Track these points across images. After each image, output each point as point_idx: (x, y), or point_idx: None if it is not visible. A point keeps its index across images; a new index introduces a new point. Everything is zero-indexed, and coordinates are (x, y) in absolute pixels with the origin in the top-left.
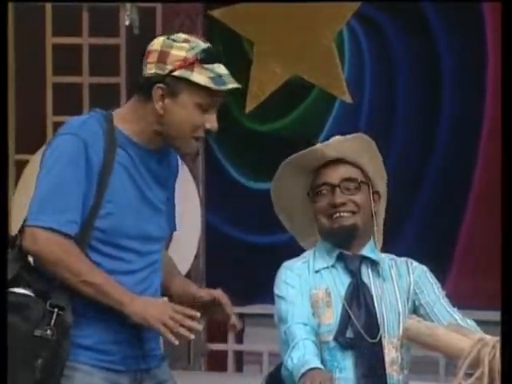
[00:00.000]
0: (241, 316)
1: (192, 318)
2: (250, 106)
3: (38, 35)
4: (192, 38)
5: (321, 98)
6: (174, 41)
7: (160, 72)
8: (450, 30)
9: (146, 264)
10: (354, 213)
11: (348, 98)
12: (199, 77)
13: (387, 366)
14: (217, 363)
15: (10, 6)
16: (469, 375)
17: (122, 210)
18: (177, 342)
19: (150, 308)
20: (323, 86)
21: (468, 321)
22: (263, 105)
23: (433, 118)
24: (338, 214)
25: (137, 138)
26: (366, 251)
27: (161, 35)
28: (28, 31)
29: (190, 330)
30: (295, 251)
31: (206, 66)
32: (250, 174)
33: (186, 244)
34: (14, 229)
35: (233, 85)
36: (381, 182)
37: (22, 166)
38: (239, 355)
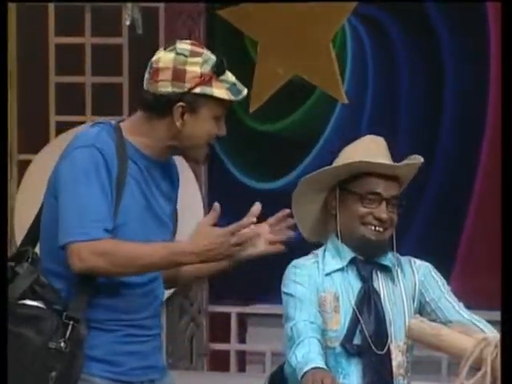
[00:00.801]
0: (244, 316)
1: (245, 226)
2: (253, 106)
3: (41, 35)
4: (198, 49)
5: (323, 98)
6: (185, 56)
7: (178, 90)
8: (453, 29)
9: (152, 277)
10: (387, 230)
11: (343, 99)
12: (219, 91)
13: (394, 370)
14: (219, 363)
15: (13, 5)
16: (472, 375)
17: (133, 221)
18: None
19: (211, 250)
20: (320, 85)
21: (474, 316)
22: (266, 105)
23: (435, 119)
24: (378, 228)
25: (147, 150)
26: (379, 257)
27: (163, 49)
28: (30, 31)
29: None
30: (299, 252)
31: (221, 77)
32: (253, 174)
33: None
34: (16, 228)
35: (245, 91)
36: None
37: (24, 165)
38: (242, 355)
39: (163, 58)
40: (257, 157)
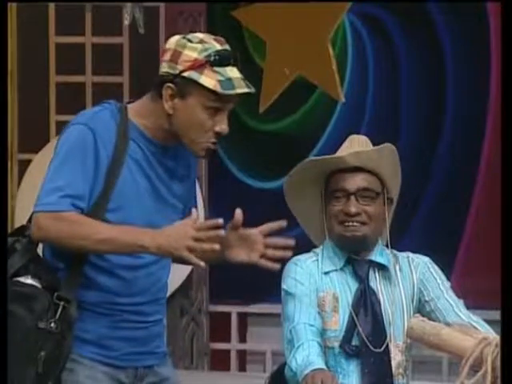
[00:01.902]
0: (244, 315)
1: (215, 227)
2: (263, 106)
3: (41, 34)
4: (208, 39)
5: (324, 98)
6: (189, 41)
7: (171, 71)
8: (455, 30)
9: (152, 259)
10: (365, 224)
11: (341, 98)
12: (207, 79)
13: (394, 370)
14: (220, 362)
15: (14, 5)
16: (473, 374)
17: (130, 203)
18: (202, 264)
19: (171, 238)
20: (319, 84)
21: (472, 316)
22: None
23: (437, 118)
24: (349, 223)
25: (150, 133)
26: (375, 255)
27: (180, 35)
28: (31, 30)
29: (214, 240)
30: (300, 250)
31: (216, 68)
32: (253, 174)
33: None
34: (16, 226)
35: (242, 89)
36: (395, 189)
37: (25, 165)
38: (242, 354)
39: (171, 40)
40: (257, 156)
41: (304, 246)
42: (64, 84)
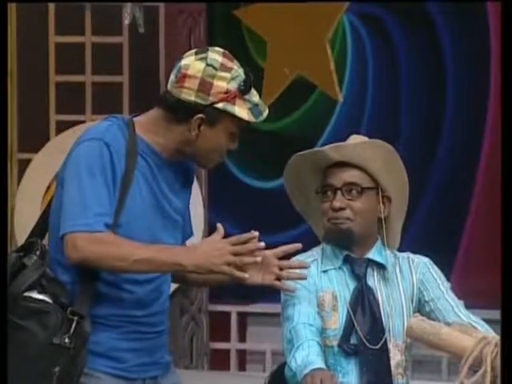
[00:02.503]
0: (244, 315)
1: (251, 239)
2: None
3: (41, 34)
4: (229, 63)
5: (324, 97)
6: (214, 68)
7: (201, 102)
8: (454, 29)
9: (154, 274)
10: (349, 219)
11: (338, 97)
12: (240, 110)
13: (393, 369)
14: (219, 362)
15: (13, 5)
16: (472, 374)
17: (138, 219)
18: (247, 276)
19: (209, 255)
20: (318, 84)
21: (472, 317)
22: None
23: (437, 118)
24: (335, 219)
25: (160, 148)
26: (373, 254)
27: (193, 55)
28: (30, 30)
29: (254, 253)
30: (299, 251)
31: (245, 96)
32: (253, 173)
33: (189, 243)
34: (16, 226)
35: (266, 112)
36: (393, 187)
37: (24, 165)
38: (242, 354)
39: (193, 65)
40: (257, 155)
41: (308, 243)
42: (64, 83)
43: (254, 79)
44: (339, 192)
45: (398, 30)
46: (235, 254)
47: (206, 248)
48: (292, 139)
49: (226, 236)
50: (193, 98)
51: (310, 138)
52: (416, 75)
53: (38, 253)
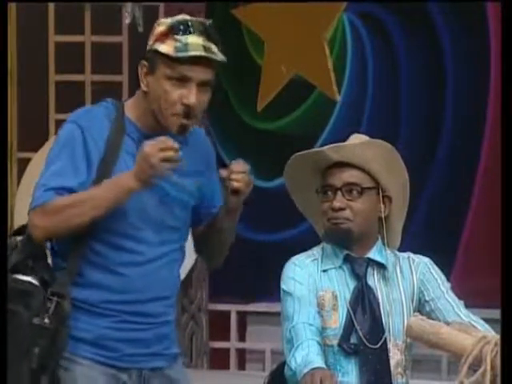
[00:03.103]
0: (243, 314)
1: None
2: (261, 105)
3: (41, 33)
4: (184, 16)
5: (323, 97)
6: (164, 19)
7: (147, 49)
8: (454, 29)
9: (158, 255)
10: (349, 219)
11: (335, 96)
12: (165, 47)
13: (392, 369)
14: (219, 361)
15: (13, 4)
16: (472, 373)
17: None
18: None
19: (140, 167)
20: (314, 82)
21: (472, 316)
22: (266, 104)
23: (437, 118)
24: (335, 219)
25: (140, 123)
26: (373, 254)
27: None
28: (30, 29)
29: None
30: (299, 250)
31: (177, 37)
32: (253, 173)
33: (189, 242)
34: (16, 225)
35: (195, 52)
36: (394, 187)
37: (24, 163)
38: (242, 353)
39: None
40: (257, 155)
41: (308, 243)
42: (63, 83)
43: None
44: (339, 192)
45: (397, 29)
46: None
47: (138, 159)
48: (292, 139)
49: None
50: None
51: (310, 137)
52: (416, 75)
53: (26, 235)
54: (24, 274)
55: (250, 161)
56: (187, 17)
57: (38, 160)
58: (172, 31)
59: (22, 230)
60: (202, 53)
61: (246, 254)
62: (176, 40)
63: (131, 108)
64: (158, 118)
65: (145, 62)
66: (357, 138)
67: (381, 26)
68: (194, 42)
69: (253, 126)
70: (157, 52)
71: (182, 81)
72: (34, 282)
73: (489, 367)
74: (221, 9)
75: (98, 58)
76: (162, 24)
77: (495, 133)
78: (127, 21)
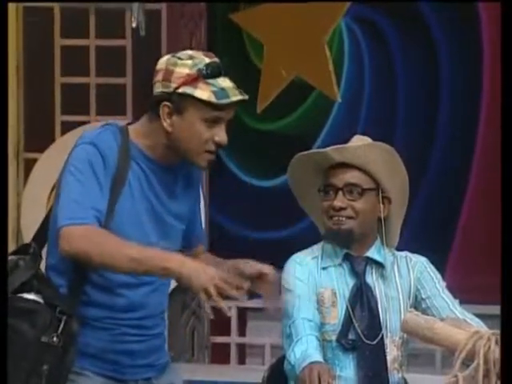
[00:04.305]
0: (244, 310)
1: (238, 288)
2: (261, 107)
3: (47, 37)
4: (197, 55)
5: (322, 98)
6: (179, 58)
7: (165, 90)
8: (448, 30)
9: (149, 278)
10: (351, 218)
11: (336, 97)
12: (202, 92)
13: (389, 364)
14: (220, 356)
15: (20, 9)
16: (465, 367)
17: (129, 224)
18: (211, 316)
19: (199, 273)
20: (315, 84)
21: (467, 314)
22: (266, 105)
23: (432, 118)
24: (336, 218)
25: (150, 152)
26: (372, 253)
27: (168, 54)
28: (37, 33)
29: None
30: (298, 248)
31: (208, 80)
32: (253, 172)
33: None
34: (22, 223)
35: (236, 97)
36: (394, 188)
37: (31, 164)
38: (242, 348)
39: (161, 60)
40: (257, 155)
41: (307, 241)
42: (69, 85)
43: (224, 68)
44: (340, 192)
45: (393, 32)
46: (218, 289)
47: (199, 264)
48: (291, 139)
49: (224, 231)
50: (160, 90)
51: (308, 137)
52: (411, 76)
53: (30, 255)
54: (29, 293)
55: (251, 160)
56: (206, 57)
57: (44, 160)
58: (201, 75)
59: (21, 251)
60: (239, 97)
61: (245, 251)
62: (209, 84)
63: (138, 135)
64: (187, 154)
65: (168, 104)
66: (359, 140)
67: (377, 30)
68: (228, 86)
69: (253, 127)
70: (187, 95)
71: (214, 122)
72: (39, 300)
73: (482, 361)
74: (221, 12)
75: (102, 61)
76: (183, 66)
77: (489, 130)
78: (133, 25)
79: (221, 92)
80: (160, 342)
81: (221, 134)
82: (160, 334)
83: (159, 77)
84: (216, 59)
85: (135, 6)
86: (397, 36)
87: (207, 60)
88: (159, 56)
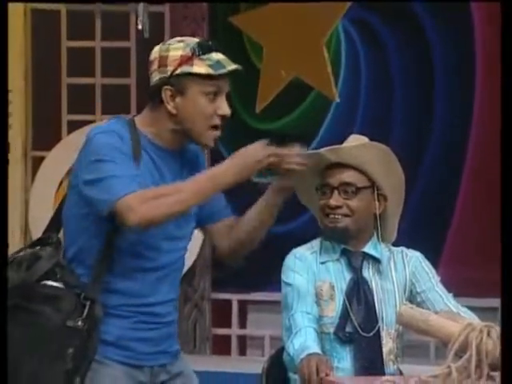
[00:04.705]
0: (244, 303)
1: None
2: (260, 107)
3: (54, 39)
4: (186, 38)
5: (320, 98)
6: (170, 44)
7: (164, 75)
8: (441, 32)
9: (167, 262)
10: (346, 216)
11: (335, 98)
12: (198, 68)
13: (385, 356)
14: (221, 347)
15: (28, 11)
16: (458, 358)
17: None
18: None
19: (248, 153)
20: (314, 85)
21: (460, 307)
22: (266, 105)
23: (426, 117)
24: (332, 216)
25: (158, 139)
26: (369, 248)
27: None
28: (44, 35)
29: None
30: (297, 242)
31: (202, 56)
32: None
33: (195, 234)
34: (30, 218)
35: (231, 67)
36: (390, 186)
37: (38, 162)
38: (242, 340)
39: (152, 51)
40: None
41: (306, 235)
42: (75, 85)
43: (214, 45)
44: (336, 191)
45: (389, 35)
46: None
47: (244, 151)
48: (290, 138)
49: None
50: (157, 77)
51: (306, 136)
52: (406, 77)
53: (52, 245)
54: (52, 281)
55: None
56: (195, 38)
57: (51, 158)
58: (195, 53)
59: (39, 242)
60: (234, 66)
61: None
62: (204, 60)
63: (145, 125)
64: (193, 134)
65: (169, 87)
66: (355, 140)
67: (372, 31)
68: (223, 59)
69: (253, 126)
70: (186, 74)
71: (215, 95)
72: (62, 287)
73: (474, 353)
74: (223, 14)
75: (107, 62)
76: (176, 49)
77: (481, 130)
78: (139, 27)
79: (216, 64)
80: (172, 329)
81: (223, 106)
82: (172, 321)
83: (155, 66)
84: (204, 38)
85: (140, 8)
86: (392, 38)
87: (196, 40)
88: None
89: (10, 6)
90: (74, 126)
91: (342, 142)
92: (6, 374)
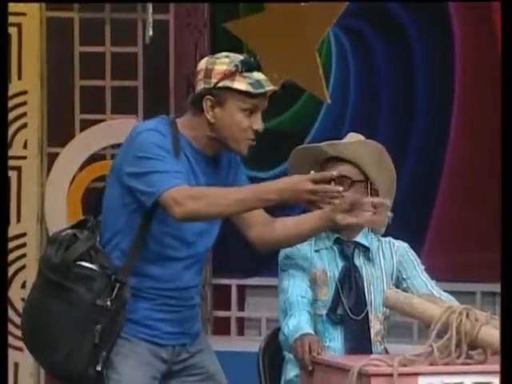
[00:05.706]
0: (243, 287)
1: (325, 178)
2: None
3: (67, 44)
4: (232, 54)
5: (311, 100)
6: (217, 58)
7: (207, 86)
8: (423, 37)
9: (194, 253)
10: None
11: (326, 99)
12: (239, 84)
13: (372, 337)
14: (221, 328)
15: (44, 19)
16: (439, 338)
17: None
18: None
19: (294, 182)
20: (307, 87)
21: (442, 292)
22: None
23: (409, 116)
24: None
25: (196, 142)
26: (360, 238)
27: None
28: (59, 41)
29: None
30: None
31: (245, 74)
32: (251, 164)
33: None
34: (46, 211)
35: (270, 87)
36: (382, 182)
37: (53, 157)
38: (241, 321)
39: (201, 62)
40: (254, 149)
41: None
42: (87, 87)
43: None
44: (333, 183)
45: (375, 39)
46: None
47: (291, 178)
48: (283, 136)
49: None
50: (202, 86)
51: (300, 134)
52: (391, 78)
53: (90, 228)
54: (87, 262)
55: (249, 154)
56: (240, 55)
57: (65, 154)
58: (238, 70)
59: (76, 226)
60: (272, 87)
61: (247, 242)
62: (245, 77)
63: (186, 128)
64: (229, 142)
65: (210, 97)
66: (352, 137)
67: (360, 37)
68: (262, 78)
69: None
70: (227, 88)
71: (251, 112)
72: (96, 268)
73: (454, 333)
74: (223, 21)
75: (116, 66)
76: (221, 64)
77: (461, 121)
78: (150, 33)
79: (256, 83)
80: (195, 312)
81: (258, 122)
82: (194, 305)
83: (200, 76)
84: (249, 56)
85: (150, 17)
86: (379, 44)
87: (241, 57)
88: (167, 61)
89: (28, 13)
90: (85, 125)
91: (333, 139)
92: (5, 373)
